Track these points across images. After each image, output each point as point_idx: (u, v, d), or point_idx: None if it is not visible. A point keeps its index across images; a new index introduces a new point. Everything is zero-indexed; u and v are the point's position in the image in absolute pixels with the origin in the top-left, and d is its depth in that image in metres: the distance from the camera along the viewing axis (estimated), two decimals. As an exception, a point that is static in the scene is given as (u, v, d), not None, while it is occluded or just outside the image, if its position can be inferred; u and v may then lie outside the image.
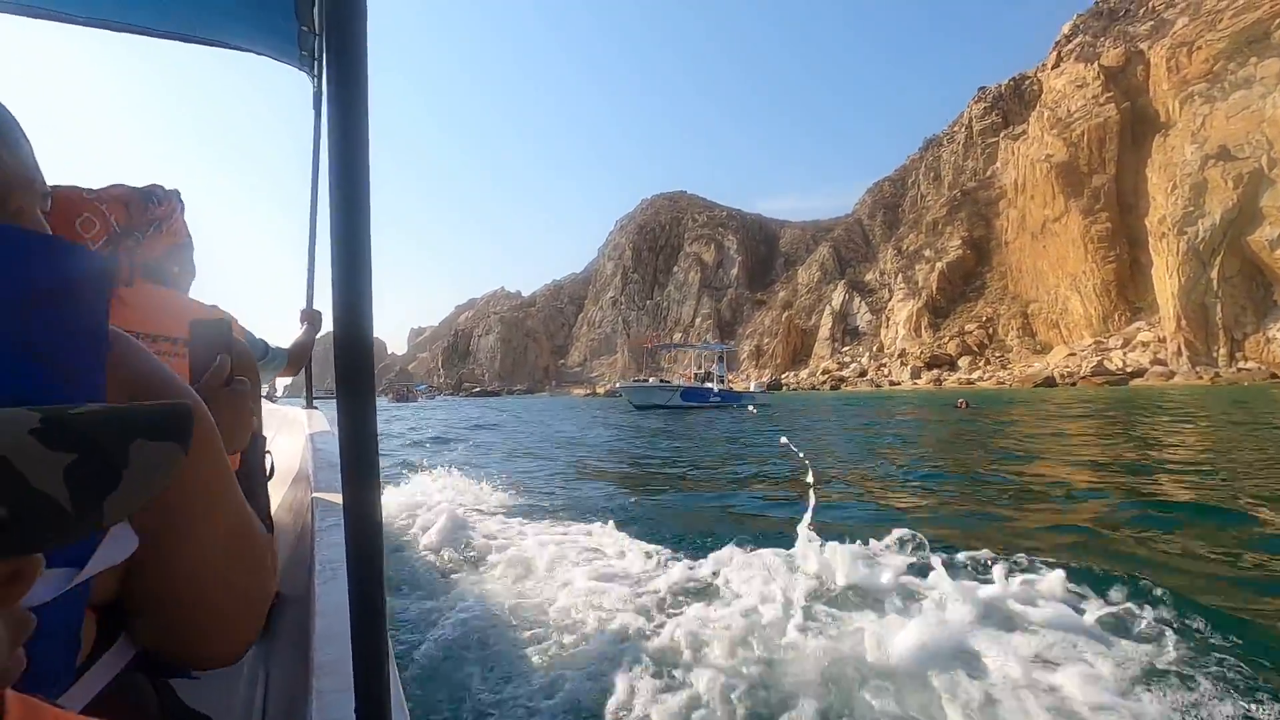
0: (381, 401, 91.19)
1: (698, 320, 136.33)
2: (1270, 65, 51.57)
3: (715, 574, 3.27)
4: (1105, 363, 56.37)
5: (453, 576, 3.53)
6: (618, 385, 36.59)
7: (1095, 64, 75.84)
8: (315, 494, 1.53)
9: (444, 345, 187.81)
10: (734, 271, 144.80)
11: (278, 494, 1.92)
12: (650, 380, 35.33)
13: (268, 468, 1.64)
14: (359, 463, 0.56)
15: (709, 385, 32.90)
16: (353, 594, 0.58)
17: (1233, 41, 61.13)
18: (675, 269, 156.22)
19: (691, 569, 3.36)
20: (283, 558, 1.44)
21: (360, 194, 0.51)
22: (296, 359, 2.25)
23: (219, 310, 1.20)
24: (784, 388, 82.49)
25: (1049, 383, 54.11)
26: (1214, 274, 50.36)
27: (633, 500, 5.95)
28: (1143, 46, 73.00)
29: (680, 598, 3.06)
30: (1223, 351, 49.84)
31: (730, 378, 45.33)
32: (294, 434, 2.68)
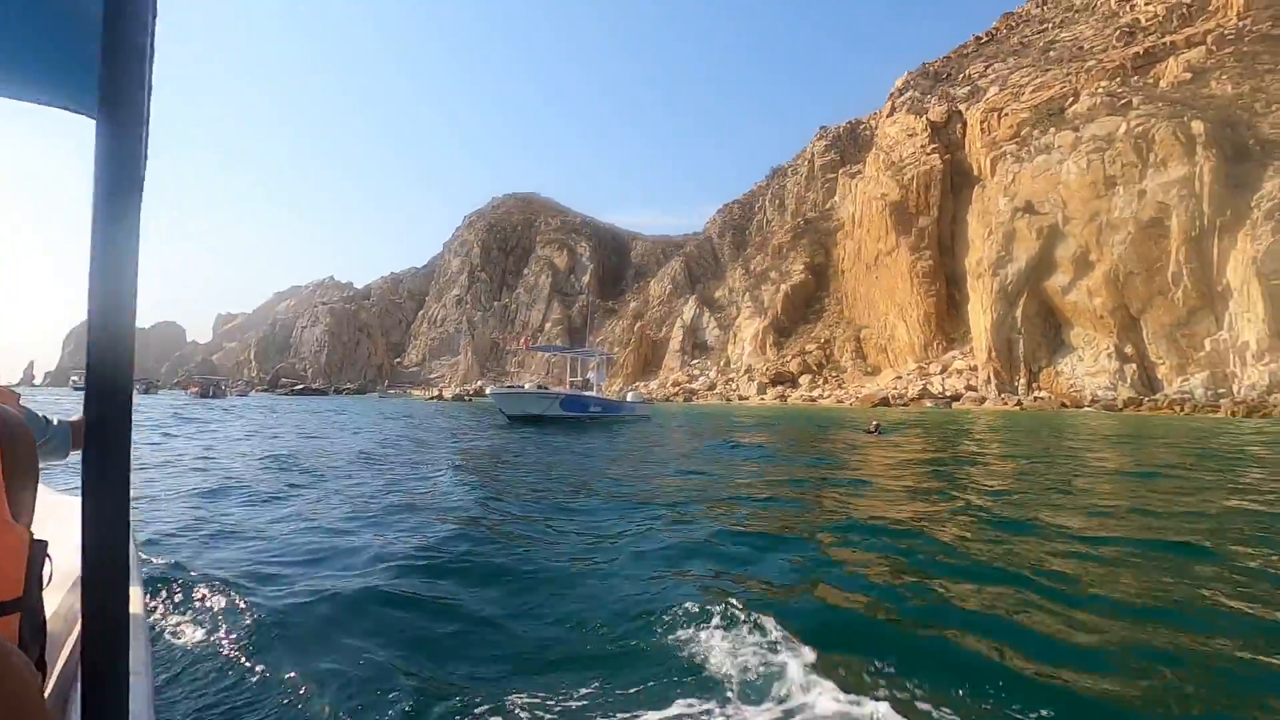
0: (181, 396, 78.38)
1: (548, 325, 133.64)
2: (1065, 136, 59.90)
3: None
4: (929, 386, 62.11)
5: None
6: (488, 390, 32.52)
7: (924, 117, 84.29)
8: None
9: (259, 335, 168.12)
10: (586, 279, 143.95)
11: (55, 599, 1.72)
12: (526, 385, 32.22)
13: (46, 575, 1.43)
14: (104, 572, 0.48)
15: (589, 393, 30.81)
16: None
17: (1033, 113, 70.60)
18: (526, 271, 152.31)
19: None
20: (55, 674, 1.37)
21: (124, 281, 0.46)
22: (81, 436, 1.95)
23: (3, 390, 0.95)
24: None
25: (885, 402, 58.47)
26: (1018, 313, 57.27)
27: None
28: (961, 108, 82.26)
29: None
30: (1023, 382, 56.72)
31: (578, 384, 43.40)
32: (76, 528, 2.13)
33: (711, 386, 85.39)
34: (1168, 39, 70.68)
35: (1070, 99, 67.13)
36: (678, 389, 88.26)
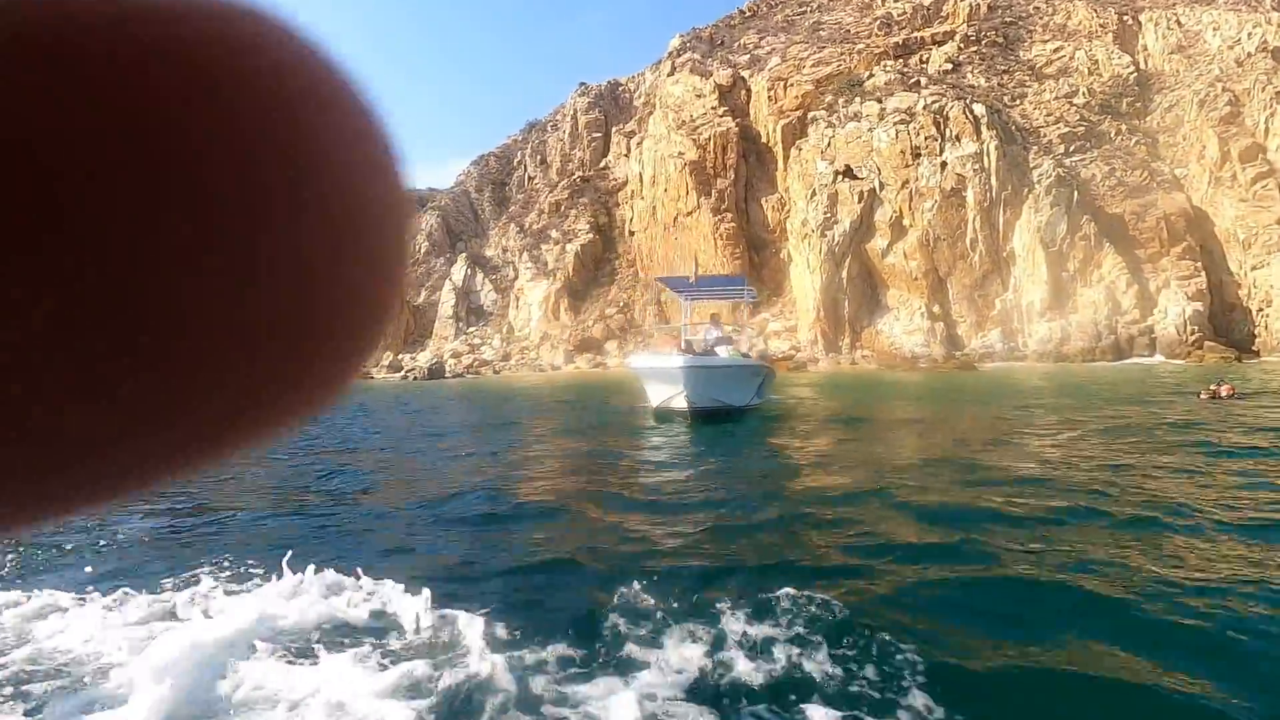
0: None
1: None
2: (871, 107, 62.60)
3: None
4: (765, 348, 60.79)
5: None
6: (633, 362, 15.49)
7: (711, 79, 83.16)
8: None
9: None
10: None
11: None
12: (711, 340, 15.86)
13: None
14: None
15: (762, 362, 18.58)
16: None
17: (818, 85, 73.36)
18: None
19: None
20: None
21: None
22: None
23: None
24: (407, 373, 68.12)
25: (735, 367, 55.38)
26: (844, 274, 58.52)
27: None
28: (745, 74, 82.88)
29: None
30: (847, 341, 58.26)
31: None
32: None
33: (506, 357, 74.71)
34: (918, 34, 79.25)
35: (851, 75, 70.94)
36: (457, 361, 75.59)
